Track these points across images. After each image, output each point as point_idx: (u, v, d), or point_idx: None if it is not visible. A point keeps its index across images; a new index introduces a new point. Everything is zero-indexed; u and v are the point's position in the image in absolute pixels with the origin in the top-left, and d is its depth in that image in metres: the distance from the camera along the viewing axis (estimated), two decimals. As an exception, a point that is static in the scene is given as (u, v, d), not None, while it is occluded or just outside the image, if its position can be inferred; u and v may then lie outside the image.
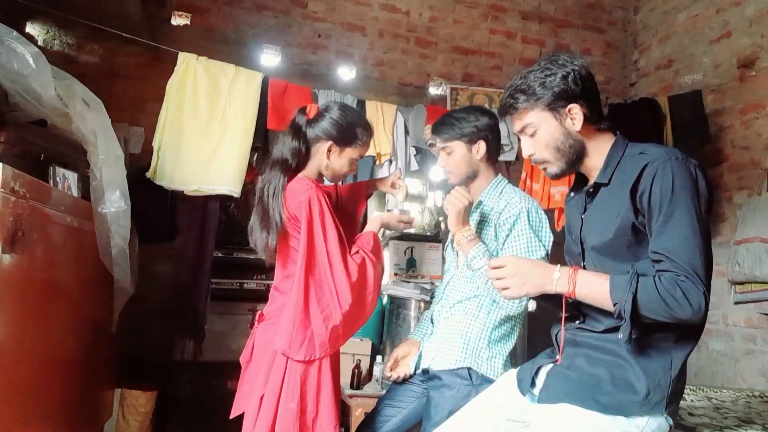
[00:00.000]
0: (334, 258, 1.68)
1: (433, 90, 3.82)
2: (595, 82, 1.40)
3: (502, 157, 3.59)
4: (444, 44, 4.12)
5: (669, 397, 1.26)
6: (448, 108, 3.74)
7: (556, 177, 1.43)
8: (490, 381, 1.70)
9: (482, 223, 1.87)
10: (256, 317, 1.90)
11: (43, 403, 1.90)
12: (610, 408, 1.27)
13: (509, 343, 1.83)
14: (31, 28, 3.24)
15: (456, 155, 1.87)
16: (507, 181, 1.92)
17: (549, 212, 3.60)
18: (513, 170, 3.69)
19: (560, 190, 3.50)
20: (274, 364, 1.70)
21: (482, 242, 1.78)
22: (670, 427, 1.31)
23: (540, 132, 1.38)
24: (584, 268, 1.41)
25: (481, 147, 1.86)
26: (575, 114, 1.35)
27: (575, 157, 1.38)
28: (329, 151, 1.82)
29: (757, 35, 3.41)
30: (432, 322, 1.99)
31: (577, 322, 1.40)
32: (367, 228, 1.88)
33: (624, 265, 1.28)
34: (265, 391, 1.70)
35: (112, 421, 2.81)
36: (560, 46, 4.37)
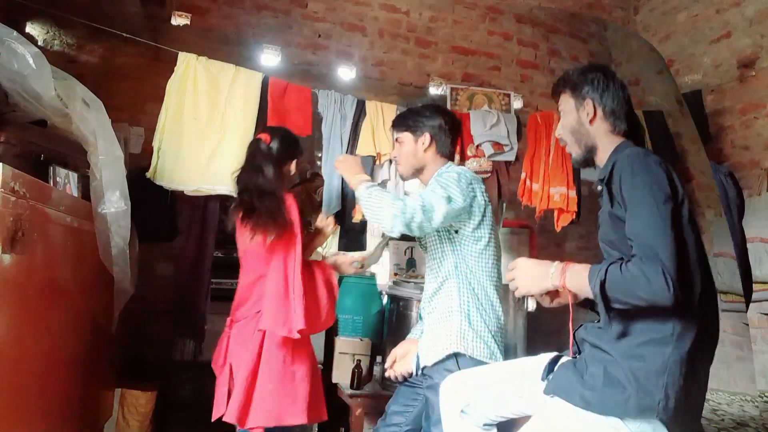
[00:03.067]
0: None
1: (433, 90, 3.82)
2: (624, 97, 1.53)
3: (501, 157, 3.58)
4: (444, 44, 4.12)
5: (662, 402, 1.22)
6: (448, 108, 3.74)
7: (577, 163, 1.59)
8: (481, 362, 1.73)
9: None
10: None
11: (43, 403, 1.90)
12: (596, 406, 1.27)
13: (493, 320, 1.84)
14: (31, 28, 3.24)
15: (405, 146, 1.95)
16: (456, 166, 1.95)
17: (549, 212, 3.59)
18: (513, 170, 3.68)
19: (559, 191, 3.50)
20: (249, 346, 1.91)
21: (375, 184, 1.82)
22: None
23: (564, 115, 1.59)
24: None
25: (425, 139, 1.93)
26: (589, 109, 1.53)
27: (586, 148, 1.55)
28: None
29: (757, 35, 3.41)
30: (421, 319, 2.01)
31: (596, 321, 1.43)
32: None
33: (621, 255, 1.35)
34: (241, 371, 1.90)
35: (112, 421, 2.80)
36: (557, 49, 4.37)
